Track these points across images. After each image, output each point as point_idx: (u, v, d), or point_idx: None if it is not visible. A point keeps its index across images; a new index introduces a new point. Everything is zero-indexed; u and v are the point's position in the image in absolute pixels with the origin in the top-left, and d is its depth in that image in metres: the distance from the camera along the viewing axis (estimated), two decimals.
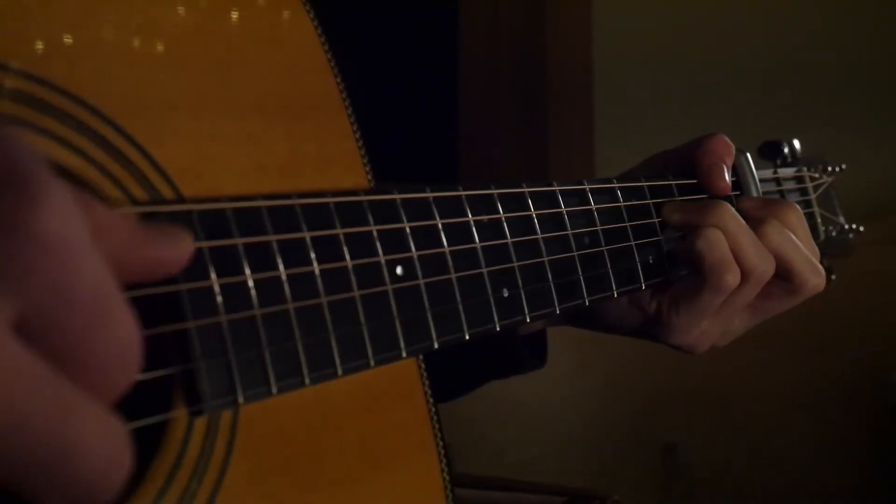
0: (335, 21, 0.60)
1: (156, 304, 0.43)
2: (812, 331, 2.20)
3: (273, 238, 0.48)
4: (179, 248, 0.40)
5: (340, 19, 0.63)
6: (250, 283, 0.47)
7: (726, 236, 0.75)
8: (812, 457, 2.27)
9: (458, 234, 0.58)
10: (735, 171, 0.87)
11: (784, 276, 0.79)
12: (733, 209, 0.77)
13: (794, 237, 0.79)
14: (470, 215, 0.59)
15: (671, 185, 0.80)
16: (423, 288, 0.55)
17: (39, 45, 0.44)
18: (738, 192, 0.87)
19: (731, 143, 0.83)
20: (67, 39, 0.45)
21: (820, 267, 0.81)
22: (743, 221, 0.76)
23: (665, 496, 2.28)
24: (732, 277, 0.75)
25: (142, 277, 0.40)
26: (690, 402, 2.22)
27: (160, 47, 0.50)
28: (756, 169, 0.88)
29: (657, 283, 0.76)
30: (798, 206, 0.82)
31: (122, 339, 0.35)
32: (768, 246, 0.77)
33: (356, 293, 0.51)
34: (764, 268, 0.76)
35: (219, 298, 0.45)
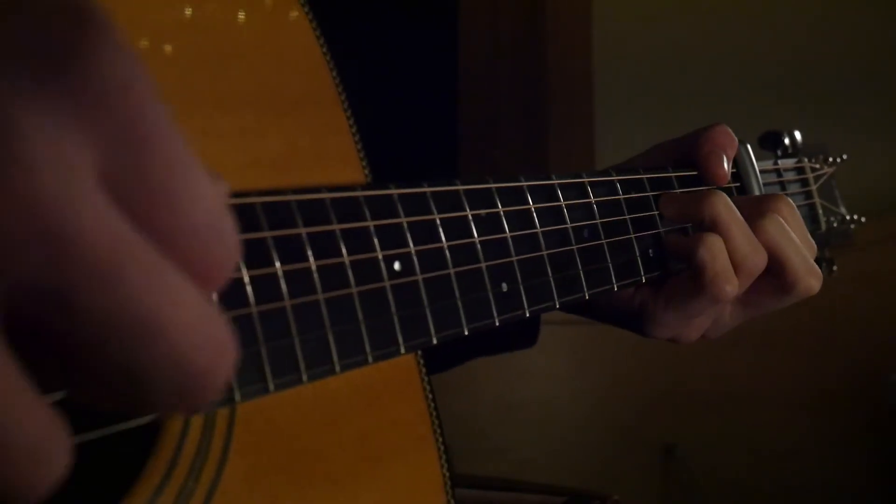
0: (336, 22, 0.60)
1: None
2: (812, 331, 2.20)
3: (269, 234, 0.48)
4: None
5: (341, 21, 0.62)
6: (246, 280, 0.46)
7: (719, 226, 0.74)
8: (812, 457, 2.27)
9: (456, 228, 0.58)
10: (735, 162, 0.86)
11: (776, 271, 0.77)
12: (728, 199, 0.75)
13: (791, 233, 0.78)
14: (468, 209, 0.59)
15: (671, 177, 0.79)
16: (421, 283, 0.54)
17: None
18: (737, 184, 0.86)
19: (733, 135, 0.83)
20: None
21: (816, 268, 0.79)
22: (737, 212, 0.75)
23: (665, 496, 2.27)
24: (732, 288, 0.74)
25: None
26: (690, 402, 2.21)
27: (152, 42, 0.49)
28: (756, 160, 0.88)
29: (657, 276, 0.76)
30: (790, 200, 0.81)
31: (209, 201, 0.31)
32: (763, 239, 0.76)
33: (353, 289, 0.51)
34: (754, 260, 0.75)
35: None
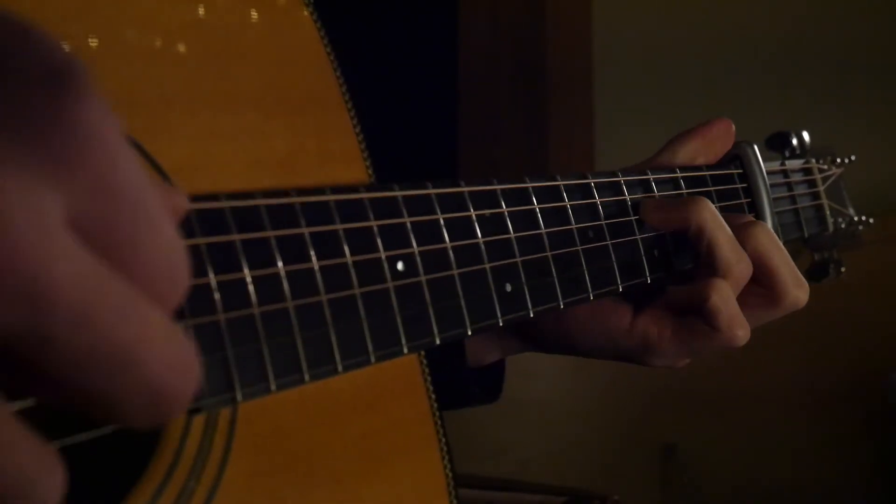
0: (336, 19, 0.60)
1: None
2: (812, 331, 2.20)
3: (272, 234, 0.47)
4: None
5: (341, 18, 0.62)
6: (248, 281, 0.46)
7: (705, 232, 0.73)
8: (812, 457, 2.27)
9: (460, 228, 0.57)
10: (742, 163, 0.86)
11: (765, 281, 0.76)
12: (712, 205, 0.75)
13: (779, 242, 0.77)
14: (472, 210, 0.59)
15: (678, 177, 0.79)
16: (424, 284, 0.54)
17: None
18: (744, 185, 0.86)
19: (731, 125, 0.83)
20: (61, 35, 0.45)
21: (803, 280, 0.78)
22: (721, 219, 0.75)
23: (665, 496, 2.28)
24: (744, 334, 0.74)
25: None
26: (690, 402, 2.22)
27: (156, 42, 0.49)
28: (764, 161, 0.87)
29: (662, 277, 0.76)
30: (769, 228, 0.79)
31: (168, 244, 0.34)
32: (752, 245, 0.76)
33: (357, 290, 0.51)
34: (741, 267, 0.74)
35: (216, 296, 0.44)
